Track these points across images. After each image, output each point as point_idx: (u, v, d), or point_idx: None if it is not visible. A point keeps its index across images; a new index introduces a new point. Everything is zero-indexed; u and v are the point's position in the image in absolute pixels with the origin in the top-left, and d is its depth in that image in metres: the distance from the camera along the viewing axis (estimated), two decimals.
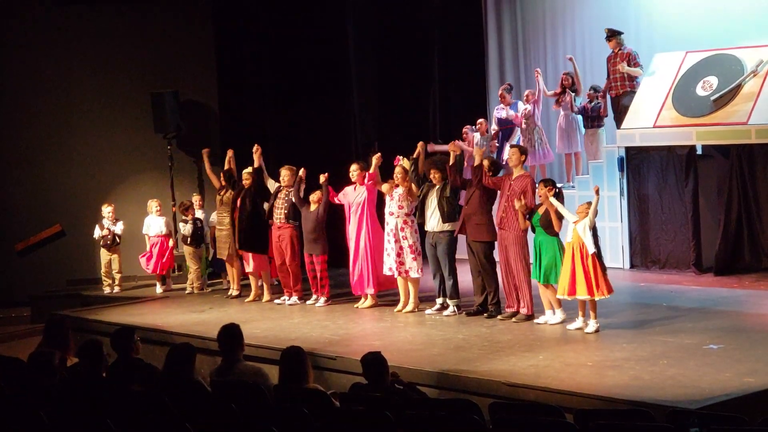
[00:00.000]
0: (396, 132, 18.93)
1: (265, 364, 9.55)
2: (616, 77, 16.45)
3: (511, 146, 13.54)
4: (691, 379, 9.69)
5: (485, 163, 12.91)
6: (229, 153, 15.74)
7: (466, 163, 14.95)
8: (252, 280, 15.41)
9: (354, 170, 14.20)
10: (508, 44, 19.60)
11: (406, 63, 19.46)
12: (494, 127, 17.98)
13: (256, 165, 15.08)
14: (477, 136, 17.79)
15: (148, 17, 18.48)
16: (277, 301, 15.01)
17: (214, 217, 16.13)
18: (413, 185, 13.61)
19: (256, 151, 15.03)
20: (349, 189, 14.33)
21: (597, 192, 11.86)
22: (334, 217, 14.89)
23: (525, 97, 17.68)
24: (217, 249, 15.92)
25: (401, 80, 19.45)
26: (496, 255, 13.01)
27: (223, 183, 15.65)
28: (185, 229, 16.35)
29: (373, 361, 8.51)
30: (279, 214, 14.70)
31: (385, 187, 13.85)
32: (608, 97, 16.86)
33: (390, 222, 13.70)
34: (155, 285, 16.88)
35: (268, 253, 15.12)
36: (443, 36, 19.79)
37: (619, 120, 16.51)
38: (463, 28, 19.91)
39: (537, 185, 12.44)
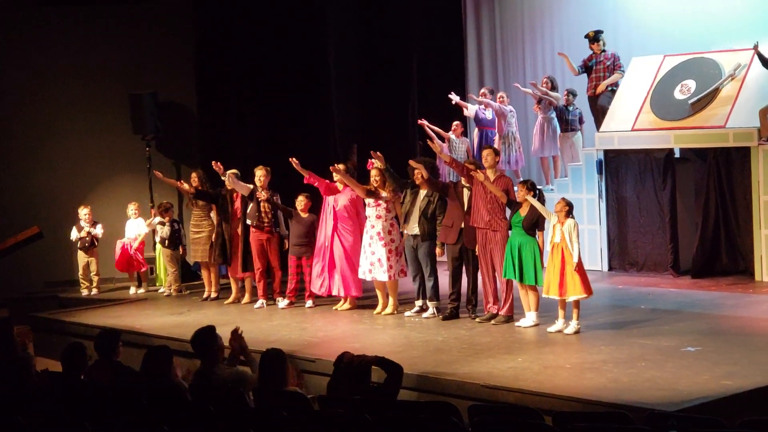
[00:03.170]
0: (375, 133, 18.91)
1: (244, 366, 9.53)
2: (598, 76, 16.50)
3: (485, 147, 13.51)
4: (668, 381, 9.72)
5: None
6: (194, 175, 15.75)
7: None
8: (232, 283, 15.39)
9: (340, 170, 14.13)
10: (486, 46, 19.66)
11: (386, 64, 19.45)
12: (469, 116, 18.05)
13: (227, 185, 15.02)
14: (453, 137, 17.81)
15: (127, 18, 18.40)
16: (256, 305, 14.93)
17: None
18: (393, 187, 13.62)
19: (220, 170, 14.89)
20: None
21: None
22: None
23: (498, 99, 17.69)
24: (192, 252, 15.90)
25: (380, 81, 19.44)
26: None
27: (197, 186, 15.59)
28: (163, 231, 16.28)
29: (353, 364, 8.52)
30: (265, 220, 14.70)
31: (362, 192, 13.82)
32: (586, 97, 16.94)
33: (376, 225, 13.67)
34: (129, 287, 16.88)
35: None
36: (423, 38, 19.79)
37: (596, 120, 16.58)
38: (443, 31, 19.94)
39: (517, 186, 12.47)
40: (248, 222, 14.81)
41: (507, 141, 17.53)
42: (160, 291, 16.60)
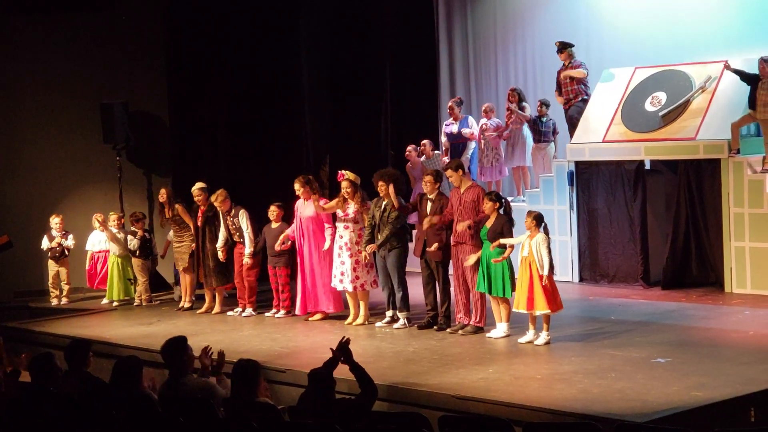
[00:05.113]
0: (348, 146, 18.92)
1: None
2: (567, 90, 16.55)
3: (444, 169, 13.53)
4: (638, 392, 9.74)
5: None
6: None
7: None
8: (206, 292, 15.38)
9: (297, 189, 14.12)
10: (459, 58, 19.68)
11: (358, 77, 19.48)
12: (444, 140, 17.99)
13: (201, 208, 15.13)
14: (423, 160, 17.77)
15: (98, 27, 18.36)
16: (230, 312, 14.98)
17: (171, 234, 16.02)
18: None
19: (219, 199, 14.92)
20: (300, 202, 14.29)
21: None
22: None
23: (483, 111, 17.68)
24: (176, 261, 15.88)
25: (353, 94, 19.47)
26: (451, 268, 13.06)
27: (164, 201, 15.63)
28: (132, 242, 16.20)
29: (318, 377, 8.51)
30: (237, 237, 14.77)
31: (333, 205, 13.82)
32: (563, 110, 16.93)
33: (345, 235, 13.68)
34: (102, 296, 16.73)
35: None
36: (395, 50, 19.82)
37: (571, 132, 16.61)
38: (415, 43, 19.97)
39: (483, 198, 12.46)
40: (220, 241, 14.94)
41: (489, 152, 17.49)
42: (104, 302, 16.52)
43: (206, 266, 15.14)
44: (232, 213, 14.75)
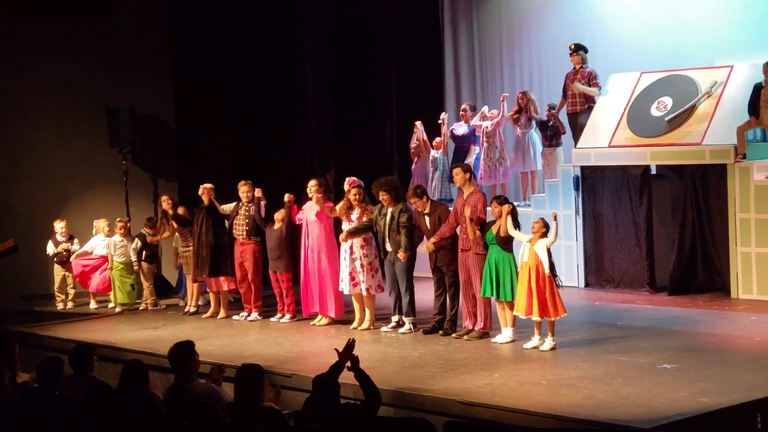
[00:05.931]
0: (352, 150, 18.92)
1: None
2: (573, 93, 16.54)
3: (453, 167, 13.55)
4: (644, 398, 9.72)
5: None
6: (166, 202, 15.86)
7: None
8: (212, 297, 15.37)
9: (312, 186, 14.12)
10: (464, 61, 19.70)
11: (363, 81, 19.47)
12: (447, 133, 17.99)
13: (205, 203, 15.01)
14: (433, 152, 17.82)
15: (104, 31, 18.37)
16: (235, 317, 14.98)
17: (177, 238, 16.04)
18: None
19: (204, 192, 14.95)
20: (307, 205, 14.29)
21: (555, 218, 11.89)
22: (298, 234, 14.73)
23: (482, 116, 17.71)
24: (184, 267, 15.87)
25: (357, 98, 19.46)
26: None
27: (166, 209, 15.68)
28: (136, 245, 16.21)
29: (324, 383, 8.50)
30: (241, 231, 14.72)
31: (338, 210, 13.83)
32: (565, 114, 16.90)
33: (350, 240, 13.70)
34: (108, 302, 16.72)
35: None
36: (400, 54, 19.82)
37: (576, 138, 16.60)
38: (420, 47, 19.97)
39: (490, 202, 12.46)
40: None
41: (493, 155, 17.49)
42: (109, 306, 16.49)
43: (200, 257, 15.06)
44: (254, 201, 14.71)
